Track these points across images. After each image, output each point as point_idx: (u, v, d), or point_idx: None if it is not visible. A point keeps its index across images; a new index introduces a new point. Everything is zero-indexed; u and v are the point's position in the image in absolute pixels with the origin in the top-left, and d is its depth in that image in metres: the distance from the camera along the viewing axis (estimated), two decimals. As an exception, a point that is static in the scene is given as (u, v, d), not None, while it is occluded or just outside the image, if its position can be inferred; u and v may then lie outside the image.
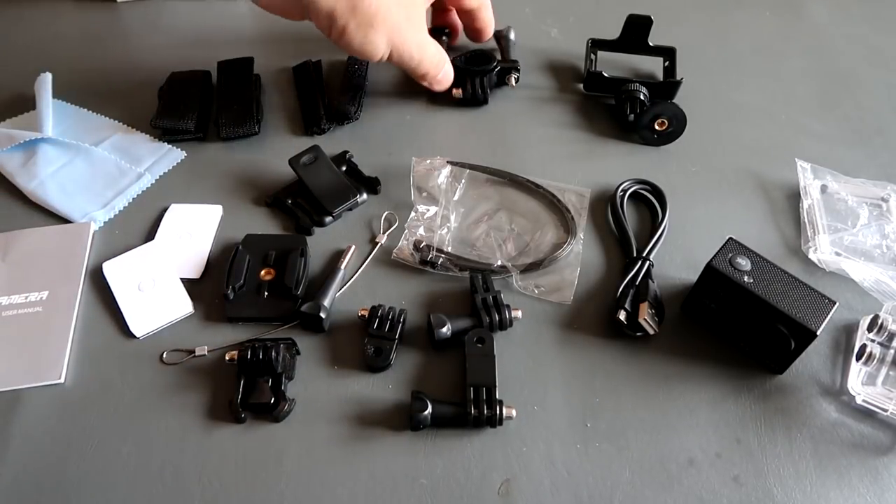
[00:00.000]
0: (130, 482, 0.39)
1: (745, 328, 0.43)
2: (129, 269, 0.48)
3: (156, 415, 0.42)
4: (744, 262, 0.42)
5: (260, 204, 0.53)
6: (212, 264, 0.49)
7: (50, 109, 0.56)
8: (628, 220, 0.51)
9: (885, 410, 0.42)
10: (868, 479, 0.40)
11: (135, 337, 0.45)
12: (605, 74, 0.59)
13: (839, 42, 0.68)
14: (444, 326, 0.43)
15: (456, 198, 0.53)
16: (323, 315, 0.44)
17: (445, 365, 0.44)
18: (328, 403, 0.42)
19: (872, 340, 0.42)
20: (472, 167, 0.54)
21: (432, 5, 0.56)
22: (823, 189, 0.53)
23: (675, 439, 0.41)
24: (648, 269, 0.47)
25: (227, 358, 0.43)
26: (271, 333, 0.45)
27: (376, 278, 0.48)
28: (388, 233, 0.51)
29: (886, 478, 0.40)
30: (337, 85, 0.60)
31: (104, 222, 0.51)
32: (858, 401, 0.42)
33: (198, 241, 0.50)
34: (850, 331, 0.46)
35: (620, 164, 0.55)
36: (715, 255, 0.43)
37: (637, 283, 0.46)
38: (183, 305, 0.46)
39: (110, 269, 0.48)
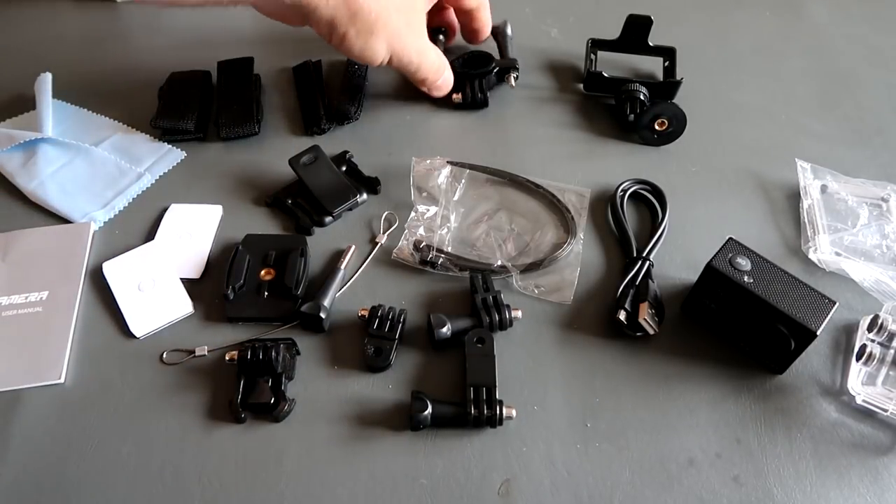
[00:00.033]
0: (130, 482, 0.39)
1: (745, 328, 0.43)
2: (129, 269, 0.48)
3: (156, 415, 0.42)
4: (744, 262, 0.42)
5: (260, 204, 0.53)
6: (212, 264, 0.49)
7: (50, 109, 0.56)
8: (628, 220, 0.51)
9: (885, 410, 0.42)
10: (868, 479, 0.40)
11: (135, 337, 0.45)
12: (605, 74, 0.59)
13: (839, 42, 0.68)
14: (444, 326, 0.43)
15: (456, 198, 0.53)
16: (323, 315, 0.44)
17: (445, 365, 0.44)
18: (328, 403, 0.42)
19: (872, 340, 0.42)
20: (472, 167, 0.54)
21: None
22: (823, 189, 0.53)
23: (675, 439, 0.41)
24: (648, 269, 0.47)
25: (227, 358, 0.43)
26: (271, 333, 0.45)
27: (376, 278, 0.48)
28: (388, 233, 0.51)
29: (886, 478, 0.40)
30: (337, 85, 0.60)
31: (104, 222, 0.51)
32: (858, 401, 0.42)
33: (198, 241, 0.50)
34: (850, 331, 0.46)
35: (620, 164, 0.55)
36: (715, 255, 0.43)
37: (637, 283, 0.46)
38: (183, 305, 0.46)
39: (110, 269, 0.48)
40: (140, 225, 0.51)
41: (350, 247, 0.49)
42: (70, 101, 0.59)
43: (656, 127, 0.56)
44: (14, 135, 0.54)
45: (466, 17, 0.60)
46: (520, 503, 0.39)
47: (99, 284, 0.47)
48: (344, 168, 0.54)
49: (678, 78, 0.59)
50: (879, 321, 0.42)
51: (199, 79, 0.59)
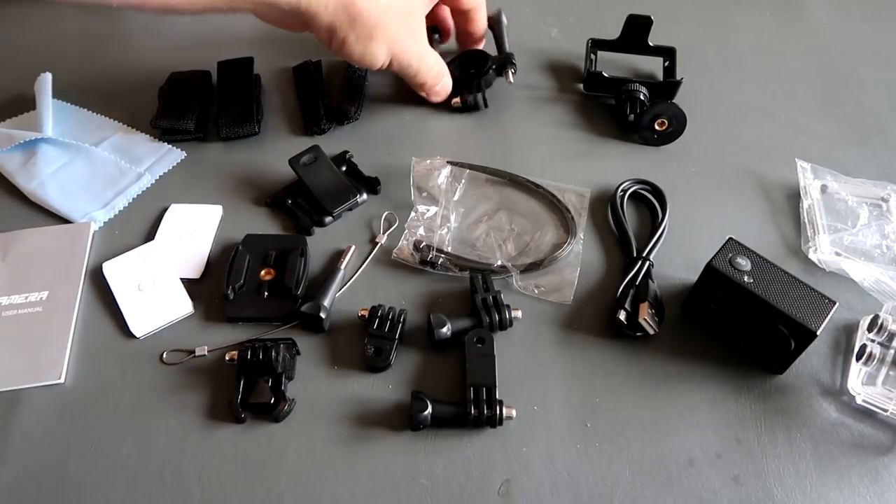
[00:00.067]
0: (130, 482, 0.39)
1: (745, 328, 0.43)
2: (129, 269, 0.48)
3: (156, 415, 0.42)
4: (744, 262, 0.42)
5: (260, 204, 0.53)
6: (212, 264, 0.49)
7: (50, 109, 0.56)
8: (628, 220, 0.51)
9: (885, 410, 0.42)
10: (868, 479, 0.40)
11: (135, 337, 0.45)
12: (605, 74, 0.59)
13: (839, 42, 0.68)
14: (444, 326, 0.43)
15: (456, 198, 0.53)
16: (323, 315, 0.44)
17: (445, 365, 0.44)
18: (328, 403, 0.42)
19: (872, 340, 0.42)
20: (472, 167, 0.54)
21: None
22: (823, 189, 0.53)
23: (675, 439, 0.41)
24: (648, 269, 0.47)
25: (227, 358, 0.43)
26: (271, 333, 0.45)
27: (376, 278, 0.48)
28: (388, 233, 0.51)
29: (886, 478, 0.40)
30: (337, 85, 0.60)
31: (104, 222, 0.51)
32: (858, 401, 0.42)
33: (198, 241, 0.50)
34: (850, 331, 0.46)
35: (620, 164, 0.55)
36: (715, 255, 0.43)
37: (637, 283, 0.46)
38: (183, 305, 0.46)
39: (110, 269, 0.48)
40: (140, 225, 0.51)
41: (350, 247, 0.49)
42: (70, 101, 0.59)
43: (656, 127, 0.56)
44: (14, 135, 0.54)
45: (463, 18, 0.59)
46: (520, 503, 0.39)
47: (99, 284, 0.47)
48: (344, 168, 0.54)
49: (678, 78, 0.59)
50: (879, 321, 0.42)
51: (199, 79, 0.59)
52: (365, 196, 0.52)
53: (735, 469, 0.40)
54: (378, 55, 0.50)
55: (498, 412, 0.40)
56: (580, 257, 0.49)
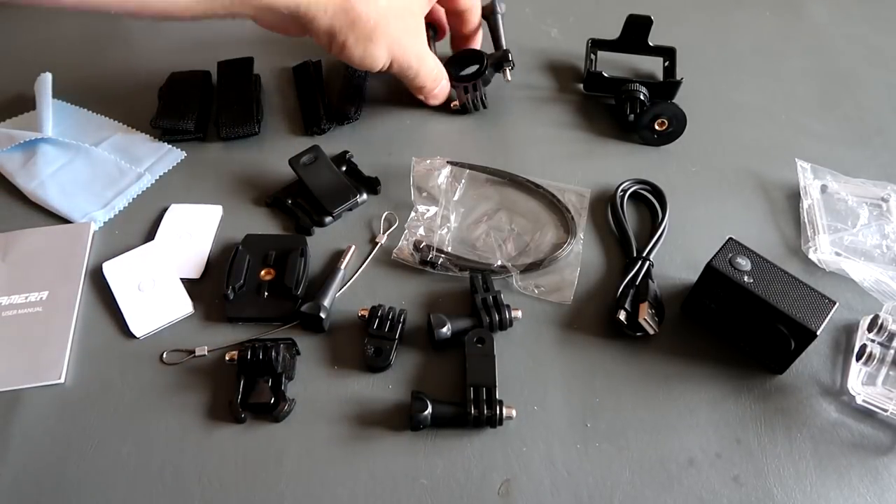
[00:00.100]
0: (130, 482, 0.39)
1: (745, 328, 0.43)
2: (129, 269, 0.48)
3: (156, 415, 0.42)
4: (744, 262, 0.42)
5: (260, 204, 0.53)
6: (212, 264, 0.49)
7: (50, 109, 0.56)
8: (628, 220, 0.51)
9: (885, 410, 0.42)
10: (868, 479, 0.40)
11: (135, 337, 0.45)
12: (605, 74, 0.59)
13: (839, 42, 0.68)
14: (444, 326, 0.43)
15: (456, 198, 0.53)
16: (323, 315, 0.44)
17: (445, 365, 0.44)
18: (328, 403, 0.42)
19: (872, 340, 0.42)
20: (471, 167, 0.54)
21: None
22: (823, 189, 0.53)
23: (675, 439, 0.41)
24: (648, 269, 0.47)
25: (227, 358, 0.43)
26: (271, 333, 0.45)
27: (376, 278, 0.48)
28: (388, 233, 0.51)
29: (886, 478, 0.40)
30: (337, 85, 0.60)
31: (104, 222, 0.51)
32: (858, 401, 0.42)
33: (198, 241, 0.50)
34: (850, 331, 0.46)
35: (620, 164, 0.55)
36: (715, 255, 0.43)
37: (637, 283, 0.46)
38: (183, 305, 0.46)
39: (110, 269, 0.48)
40: (140, 225, 0.51)
41: (350, 247, 0.49)
42: (70, 101, 0.59)
43: (656, 127, 0.56)
44: (14, 135, 0.54)
45: (457, 19, 0.58)
46: (520, 503, 0.39)
47: (99, 284, 0.47)
48: (344, 168, 0.54)
49: (678, 78, 0.59)
50: (879, 321, 0.42)
51: (199, 79, 0.59)
52: (365, 196, 0.52)
53: (735, 469, 0.40)
54: (378, 57, 0.50)
55: (498, 412, 0.40)
56: (580, 257, 0.49)
